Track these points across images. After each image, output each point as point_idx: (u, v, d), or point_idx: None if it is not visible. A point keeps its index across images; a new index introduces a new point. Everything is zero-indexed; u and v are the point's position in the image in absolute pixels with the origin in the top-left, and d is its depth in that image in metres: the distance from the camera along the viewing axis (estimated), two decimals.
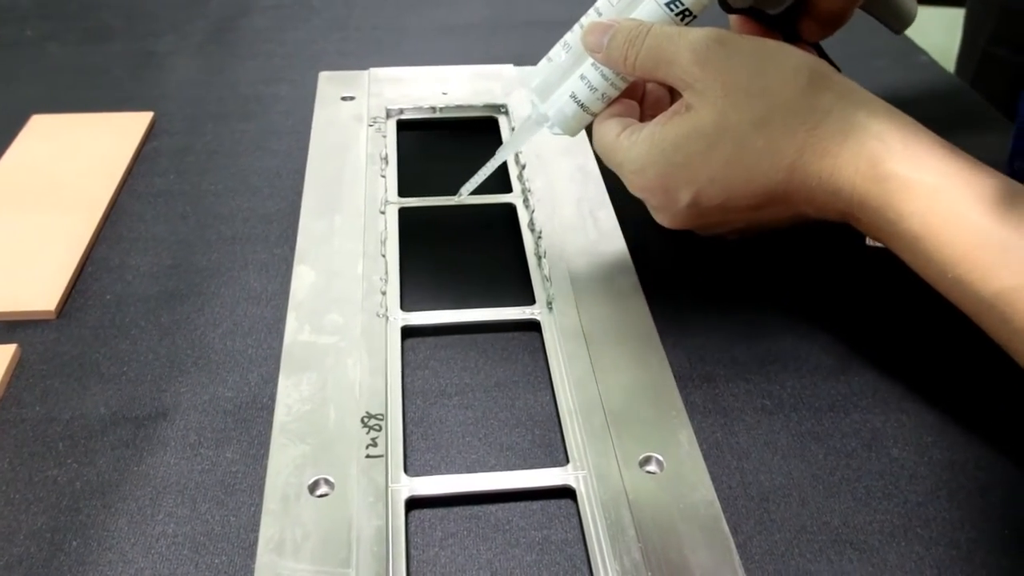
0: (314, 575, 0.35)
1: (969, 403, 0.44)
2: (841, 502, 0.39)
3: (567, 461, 0.40)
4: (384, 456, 0.40)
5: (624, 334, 0.46)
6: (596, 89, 0.47)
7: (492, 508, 0.39)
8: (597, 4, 0.48)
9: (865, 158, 0.41)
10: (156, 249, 0.54)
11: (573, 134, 0.49)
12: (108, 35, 0.80)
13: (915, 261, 0.41)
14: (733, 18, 0.53)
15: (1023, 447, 0.42)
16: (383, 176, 0.58)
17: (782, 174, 0.42)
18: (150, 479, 0.40)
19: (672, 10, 0.45)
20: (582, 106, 0.47)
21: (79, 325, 0.48)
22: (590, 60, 0.47)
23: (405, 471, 0.40)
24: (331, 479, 0.38)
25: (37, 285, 0.50)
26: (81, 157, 0.61)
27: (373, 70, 0.69)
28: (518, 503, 0.39)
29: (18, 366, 0.46)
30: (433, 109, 0.65)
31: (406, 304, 0.49)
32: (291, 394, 0.42)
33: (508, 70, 0.70)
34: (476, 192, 0.52)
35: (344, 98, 0.66)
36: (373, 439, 0.40)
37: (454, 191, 0.54)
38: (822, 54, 0.53)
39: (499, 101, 0.66)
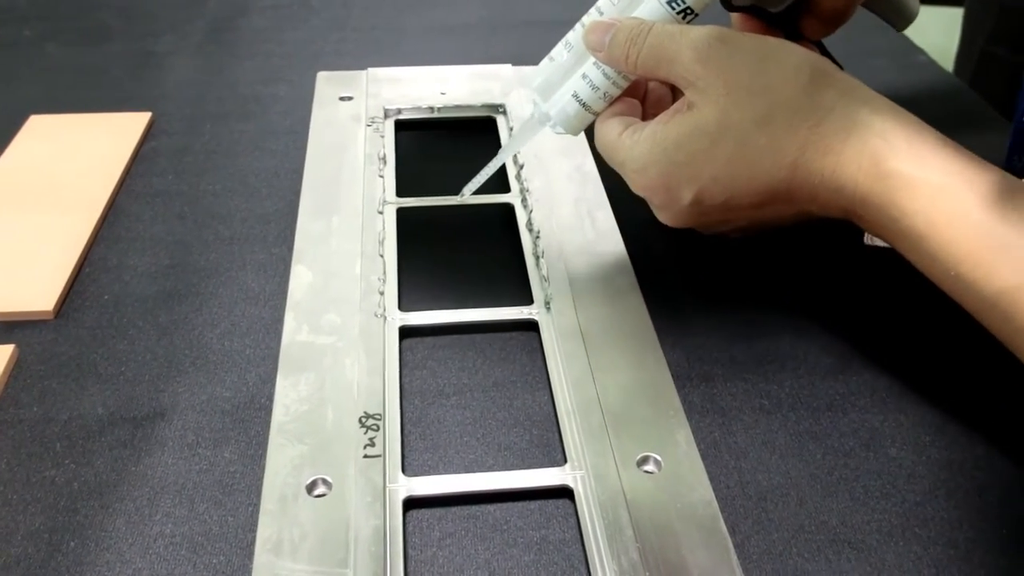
0: (312, 575, 0.35)
1: (967, 403, 0.44)
2: (839, 502, 0.39)
3: (565, 461, 0.40)
4: (382, 456, 0.40)
5: (622, 334, 0.46)
6: (598, 88, 0.47)
7: (490, 508, 0.39)
8: (599, 3, 0.48)
9: (868, 155, 0.41)
10: (154, 249, 0.54)
11: (575, 133, 0.49)
12: (106, 35, 0.80)
13: (918, 259, 0.41)
14: (735, 16, 0.53)
15: (1021, 447, 0.42)
16: (381, 176, 0.58)
17: (784, 172, 0.42)
18: (148, 479, 0.40)
19: (674, 8, 0.45)
20: (584, 105, 0.47)
21: (77, 325, 0.48)
22: (592, 59, 0.47)
23: (403, 471, 0.40)
24: (329, 479, 0.38)
25: (35, 285, 0.50)
26: (79, 157, 0.61)
27: (371, 70, 0.69)
28: (516, 503, 0.39)
29: (16, 366, 0.46)
30: (431, 109, 0.65)
31: (404, 304, 0.49)
32: (289, 394, 0.42)
33: (506, 70, 0.70)
34: (475, 192, 0.52)
35: (342, 98, 0.66)
36: (371, 439, 0.40)
37: (452, 191, 0.54)
38: (824, 52, 0.53)
39: (497, 101, 0.66)
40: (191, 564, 0.37)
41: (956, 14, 1.01)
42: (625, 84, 0.47)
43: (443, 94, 0.66)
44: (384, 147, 0.61)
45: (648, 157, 0.44)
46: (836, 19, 0.52)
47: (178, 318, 0.49)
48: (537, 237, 0.53)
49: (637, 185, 0.46)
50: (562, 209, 0.55)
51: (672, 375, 0.44)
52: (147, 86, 0.72)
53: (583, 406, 0.42)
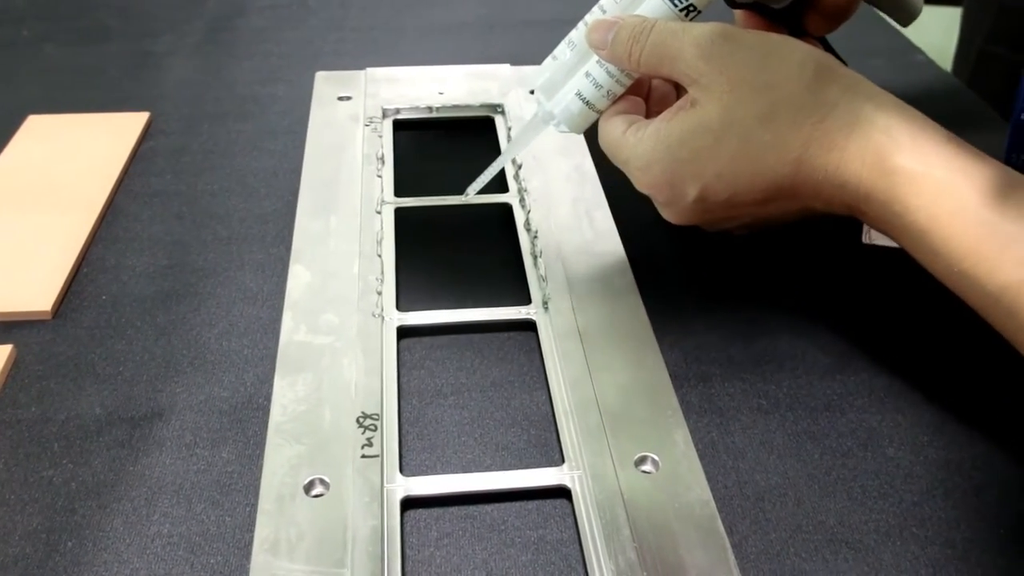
0: (309, 575, 0.35)
1: (965, 402, 0.44)
2: (837, 501, 0.39)
3: (563, 461, 0.40)
4: (380, 456, 0.40)
5: (620, 334, 0.46)
6: (601, 86, 0.47)
7: (488, 508, 0.39)
8: (601, 1, 0.48)
9: (872, 151, 0.41)
10: (152, 249, 0.54)
11: (579, 132, 0.49)
12: (104, 35, 0.80)
13: (922, 255, 0.40)
14: (738, 13, 0.53)
15: (1019, 446, 0.42)
16: (379, 176, 0.58)
17: (788, 168, 0.42)
18: (146, 479, 0.40)
19: (676, 6, 0.45)
20: (588, 104, 0.47)
21: (75, 325, 0.48)
22: (595, 58, 0.47)
23: (401, 471, 0.40)
24: (326, 479, 0.38)
25: (33, 285, 0.50)
26: (77, 157, 0.61)
27: (370, 70, 0.69)
28: (514, 503, 0.39)
29: (14, 367, 0.46)
30: (429, 109, 0.65)
31: (402, 304, 0.49)
32: (287, 394, 0.42)
33: (504, 70, 0.70)
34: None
35: (341, 98, 0.66)
36: (369, 439, 0.40)
37: (451, 191, 0.54)
38: (828, 48, 0.53)
39: (495, 101, 0.66)
40: (189, 564, 0.37)
41: (955, 13, 1.01)
42: (628, 82, 0.47)
43: (441, 94, 0.66)
44: (382, 147, 0.61)
45: (652, 155, 0.44)
46: (839, 15, 0.52)
47: (176, 318, 0.49)
48: (535, 237, 0.53)
49: (641, 183, 0.46)
50: (560, 209, 0.55)
51: (670, 375, 0.44)
52: (145, 86, 0.72)
53: (581, 406, 0.42)
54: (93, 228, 0.55)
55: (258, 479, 0.39)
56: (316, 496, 0.38)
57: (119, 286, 0.51)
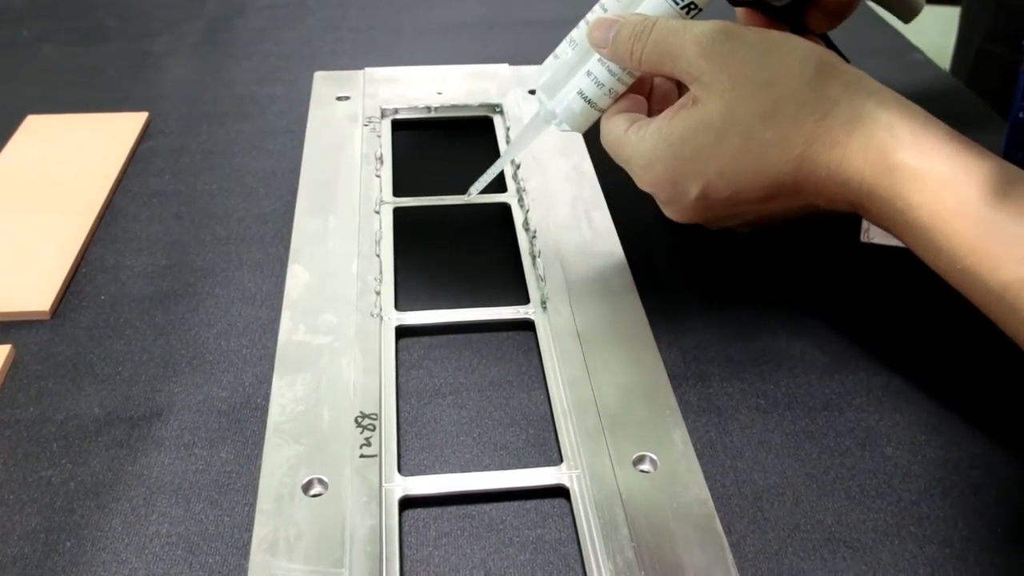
0: (307, 575, 0.35)
1: (963, 402, 0.44)
2: (835, 501, 0.39)
3: (561, 460, 0.40)
4: (378, 456, 0.40)
5: (618, 333, 0.46)
6: (603, 85, 0.47)
7: (486, 507, 0.39)
8: (602, 0, 0.48)
9: (874, 148, 0.41)
10: (151, 249, 0.54)
11: (581, 130, 0.49)
12: (103, 35, 0.80)
13: (924, 252, 0.40)
14: (739, 11, 0.52)
15: (1017, 446, 0.42)
16: (378, 176, 0.58)
17: (791, 165, 0.42)
18: (144, 479, 0.40)
19: (677, 4, 0.45)
20: (590, 102, 0.47)
21: (73, 325, 0.48)
22: (596, 56, 0.47)
23: (399, 471, 0.40)
24: (325, 479, 0.38)
25: (31, 285, 0.50)
26: (76, 157, 0.61)
27: (368, 70, 0.69)
28: (512, 502, 0.39)
29: (12, 367, 0.46)
30: (428, 109, 0.65)
31: (400, 304, 0.49)
32: (285, 394, 0.42)
33: (503, 69, 0.70)
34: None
35: (339, 98, 0.66)
36: (367, 439, 0.40)
37: (449, 191, 0.54)
38: (830, 45, 0.53)
39: (494, 101, 0.66)
40: (187, 564, 0.37)
41: (953, 13, 1.01)
42: (630, 80, 0.47)
43: (440, 94, 0.66)
44: (381, 147, 0.61)
45: (654, 153, 0.44)
46: (841, 12, 0.52)
47: (175, 318, 0.49)
48: (534, 237, 0.53)
49: (643, 181, 0.46)
50: (559, 209, 0.55)
51: (668, 374, 0.44)
52: (144, 86, 0.72)
53: (579, 405, 0.42)
54: (92, 228, 0.55)
55: (256, 479, 0.39)
56: (314, 496, 0.38)
57: (118, 286, 0.51)
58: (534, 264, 0.51)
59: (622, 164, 0.47)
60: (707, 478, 0.39)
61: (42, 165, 0.60)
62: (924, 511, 0.39)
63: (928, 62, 0.76)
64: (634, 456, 0.40)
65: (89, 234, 0.54)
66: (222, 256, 0.53)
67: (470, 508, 0.39)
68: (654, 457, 0.40)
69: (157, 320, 0.49)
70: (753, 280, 0.51)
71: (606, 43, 0.46)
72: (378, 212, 0.54)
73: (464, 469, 0.40)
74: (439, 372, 0.45)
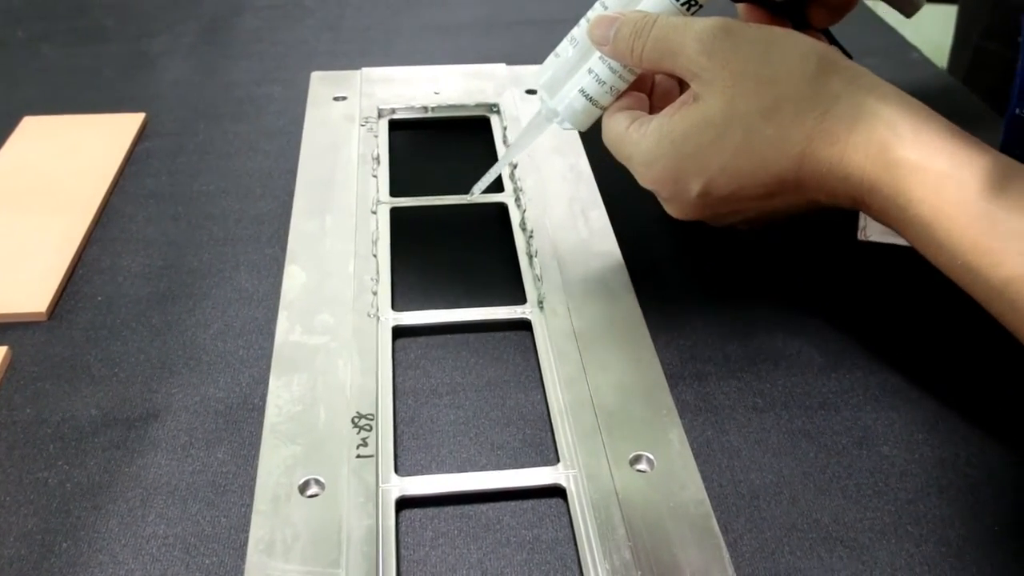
0: (304, 575, 0.35)
1: (960, 400, 0.44)
2: (832, 500, 0.39)
3: (557, 460, 0.40)
4: (375, 456, 0.40)
5: (615, 333, 0.46)
6: (604, 82, 0.47)
7: (482, 508, 0.39)
8: None
9: (875, 144, 0.40)
10: (147, 250, 0.54)
11: (583, 128, 0.49)
12: (100, 36, 0.80)
13: (925, 247, 0.40)
14: (741, 7, 0.52)
15: (1014, 444, 0.42)
16: (375, 176, 0.58)
17: (792, 161, 0.42)
18: (141, 480, 0.40)
19: (678, 0, 0.45)
20: (591, 100, 0.47)
21: (70, 327, 0.48)
22: (597, 54, 0.47)
23: (395, 471, 0.40)
24: (321, 479, 0.38)
25: (28, 287, 0.50)
26: (73, 158, 0.61)
27: (365, 70, 0.69)
28: (508, 502, 0.39)
29: (9, 368, 0.46)
30: (425, 109, 0.65)
31: (397, 304, 0.49)
32: (282, 395, 0.42)
33: (500, 69, 0.70)
34: (468, 192, 0.52)
35: (336, 98, 0.66)
36: (364, 439, 0.40)
37: (446, 191, 0.54)
38: (832, 41, 0.53)
39: (491, 100, 0.66)
40: (184, 565, 0.37)
41: (951, 10, 1.01)
42: (631, 78, 0.47)
43: (437, 94, 0.66)
44: (378, 147, 0.61)
45: (655, 150, 0.44)
46: (842, 7, 0.52)
47: (171, 319, 0.49)
48: (530, 236, 0.53)
49: (645, 178, 0.46)
50: (556, 208, 0.55)
51: (665, 374, 0.44)
52: (141, 87, 0.71)
53: (576, 405, 0.42)
54: (88, 229, 0.55)
55: (253, 479, 0.39)
56: (311, 496, 0.38)
57: (114, 287, 0.51)
58: (531, 264, 0.51)
59: (623, 162, 0.47)
60: (704, 477, 0.39)
61: (39, 166, 0.60)
62: (921, 510, 0.39)
63: (925, 61, 0.76)
64: (631, 456, 0.40)
65: (86, 235, 0.54)
66: (219, 257, 0.53)
67: (467, 508, 0.39)
68: (651, 457, 0.40)
69: (154, 321, 0.49)
70: (750, 279, 0.51)
71: (607, 41, 0.46)
72: (375, 212, 0.54)
73: (461, 469, 0.40)
74: (436, 372, 0.45)
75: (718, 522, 0.37)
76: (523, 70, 0.69)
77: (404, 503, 0.39)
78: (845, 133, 0.41)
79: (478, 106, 0.66)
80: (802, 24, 0.51)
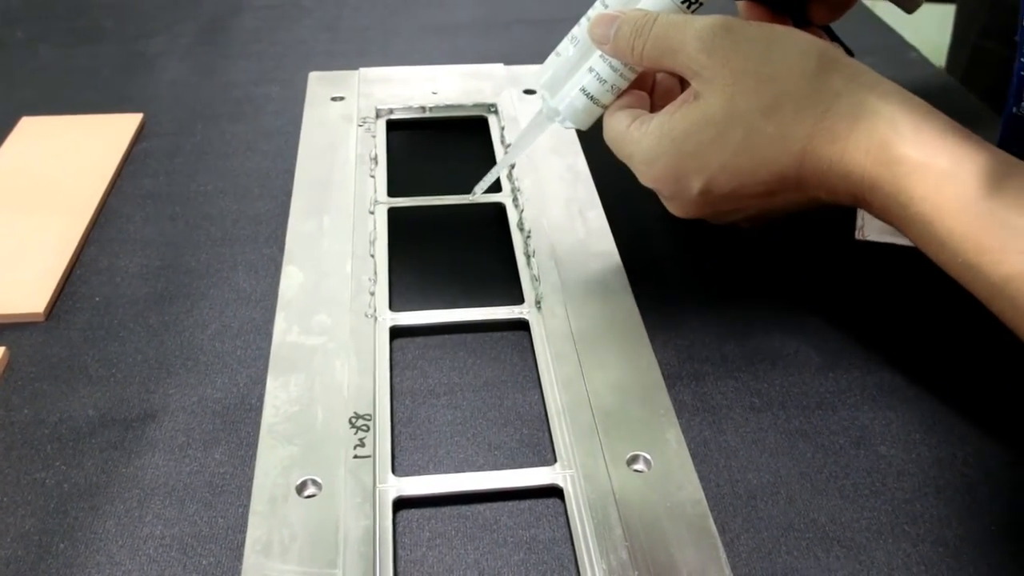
0: (301, 575, 0.35)
1: (957, 400, 0.44)
2: (829, 500, 0.39)
3: (555, 460, 0.40)
4: (372, 456, 0.40)
5: (613, 333, 0.46)
6: (605, 81, 0.47)
7: (480, 508, 0.39)
8: None
9: (876, 141, 0.40)
10: (145, 251, 0.54)
11: (585, 127, 0.49)
12: (98, 36, 0.80)
13: (926, 245, 0.40)
14: (741, 4, 0.52)
15: (1011, 444, 0.42)
16: (372, 176, 0.58)
17: (793, 159, 0.42)
18: (138, 481, 0.40)
19: None
20: (592, 99, 0.47)
21: (68, 327, 0.48)
22: (598, 52, 0.47)
23: (393, 471, 0.40)
24: (319, 480, 0.38)
25: (26, 287, 0.50)
26: (71, 159, 0.61)
27: (363, 70, 0.69)
28: (506, 503, 0.39)
29: (6, 369, 0.46)
30: (423, 109, 0.65)
31: (395, 304, 0.49)
32: (279, 395, 0.42)
33: (498, 69, 0.70)
34: (466, 192, 0.52)
35: (334, 98, 0.66)
36: (361, 439, 0.40)
37: (444, 191, 0.54)
38: (834, 37, 0.53)
39: (489, 100, 0.66)
40: (181, 565, 0.37)
41: (949, 9, 1.01)
42: (632, 76, 0.47)
43: (435, 94, 0.66)
44: (375, 147, 0.61)
45: (656, 148, 0.44)
46: (843, 3, 0.52)
47: (169, 319, 0.49)
48: (528, 236, 0.53)
49: (646, 177, 0.46)
50: (553, 208, 0.55)
51: (663, 374, 0.44)
52: (139, 87, 0.71)
53: (573, 405, 0.42)
54: (86, 230, 0.55)
55: (250, 480, 0.39)
56: (308, 497, 0.38)
57: (112, 288, 0.51)
58: (528, 264, 0.51)
59: (624, 160, 0.47)
60: (701, 477, 0.39)
61: (37, 167, 0.60)
62: (918, 509, 0.39)
63: (923, 60, 0.76)
64: (628, 456, 0.40)
65: (84, 236, 0.54)
66: (216, 257, 0.53)
67: (464, 509, 0.39)
68: (648, 456, 0.40)
69: (151, 321, 0.49)
70: (747, 279, 0.51)
71: (607, 39, 0.46)
72: (372, 212, 0.54)
73: (458, 469, 0.40)
74: (433, 372, 0.45)
75: (715, 522, 0.37)
76: (521, 70, 0.69)
77: (401, 503, 0.39)
78: (846, 131, 0.41)
79: (476, 106, 0.66)
80: (803, 21, 0.51)
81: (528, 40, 0.78)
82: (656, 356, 0.45)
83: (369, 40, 0.79)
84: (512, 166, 0.58)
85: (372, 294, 0.48)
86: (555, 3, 0.84)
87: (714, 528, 0.37)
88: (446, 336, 0.47)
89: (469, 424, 0.43)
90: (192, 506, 0.39)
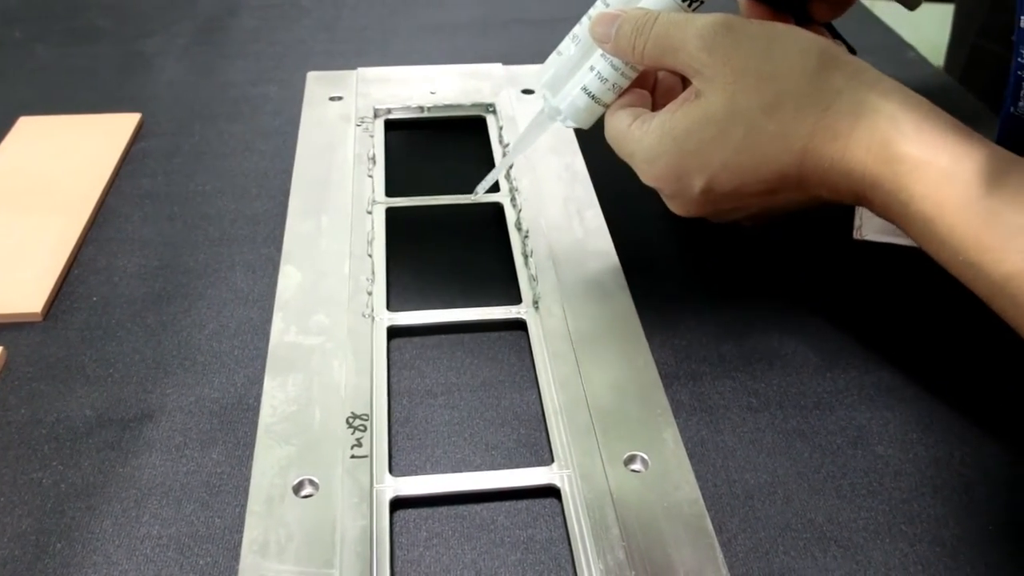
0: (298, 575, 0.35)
1: (954, 400, 0.44)
2: (826, 500, 0.39)
3: (552, 460, 0.40)
4: (369, 456, 0.40)
5: (610, 333, 0.46)
6: (606, 80, 0.47)
7: (477, 508, 0.39)
8: None
9: (877, 139, 0.40)
10: (143, 250, 0.54)
11: (586, 126, 0.49)
12: (96, 36, 0.80)
13: (927, 243, 0.40)
14: (742, 2, 0.52)
15: (1008, 444, 0.42)
16: (370, 176, 0.58)
17: (794, 157, 0.42)
18: (135, 481, 0.40)
19: None
20: (593, 98, 0.47)
21: (65, 327, 0.48)
22: (599, 52, 0.47)
23: (390, 471, 0.40)
24: (316, 480, 0.38)
25: (23, 287, 0.50)
26: (69, 159, 0.61)
27: (361, 70, 0.69)
28: (503, 502, 0.39)
29: (4, 368, 0.46)
30: (421, 109, 0.65)
31: (392, 304, 0.49)
32: (276, 395, 0.42)
33: (497, 69, 0.70)
34: (464, 192, 0.52)
35: (332, 98, 0.66)
36: (358, 439, 0.40)
37: (442, 191, 0.54)
38: (835, 35, 0.53)
39: (487, 100, 0.66)
40: (178, 565, 0.37)
41: (948, 9, 1.01)
42: (633, 75, 0.47)
43: (433, 93, 0.66)
44: (374, 147, 0.61)
45: (658, 147, 0.44)
46: (844, 1, 0.52)
47: (167, 319, 0.49)
48: (526, 236, 0.53)
49: (647, 176, 0.46)
50: (551, 208, 0.55)
51: (660, 374, 0.44)
52: (137, 87, 0.71)
53: (570, 405, 0.42)
54: (84, 229, 0.55)
55: (247, 480, 0.39)
56: (305, 497, 0.38)
57: (110, 287, 0.51)
58: (526, 264, 0.51)
59: (626, 159, 0.47)
60: (698, 477, 0.39)
61: (35, 166, 0.60)
62: (915, 509, 0.39)
63: (922, 59, 0.76)
64: (625, 455, 0.40)
65: (81, 235, 0.54)
66: (214, 257, 0.53)
67: (461, 508, 0.39)
68: (645, 456, 0.40)
69: (149, 321, 0.49)
70: (745, 279, 0.51)
71: (608, 38, 0.46)
72: (370, 212, 0.54)
73: (455, 469, 0.40)
74: (431, 372, 0.45)
75: (712, 522, 0.37)
76: (519, 70, 0.69)
77: (398, 503, 0.39)
78: (847, 129, 0.41)
79: (474, 106, 0.65)
80: (804, 19, 0.51)
81: (526, 40, 0.78)
82: (653, 356, 0.45)
83: (367, 40, 0.79)
84: (510, 166, 0.58)
85: (370, 294, 0.48)
86: (554, 3, 0.84)
87: (711, 528, 0.37)
88: (443, 336, 0.47)
89: (466, 424, 0.43)
90: (189, 506, 0.39)
